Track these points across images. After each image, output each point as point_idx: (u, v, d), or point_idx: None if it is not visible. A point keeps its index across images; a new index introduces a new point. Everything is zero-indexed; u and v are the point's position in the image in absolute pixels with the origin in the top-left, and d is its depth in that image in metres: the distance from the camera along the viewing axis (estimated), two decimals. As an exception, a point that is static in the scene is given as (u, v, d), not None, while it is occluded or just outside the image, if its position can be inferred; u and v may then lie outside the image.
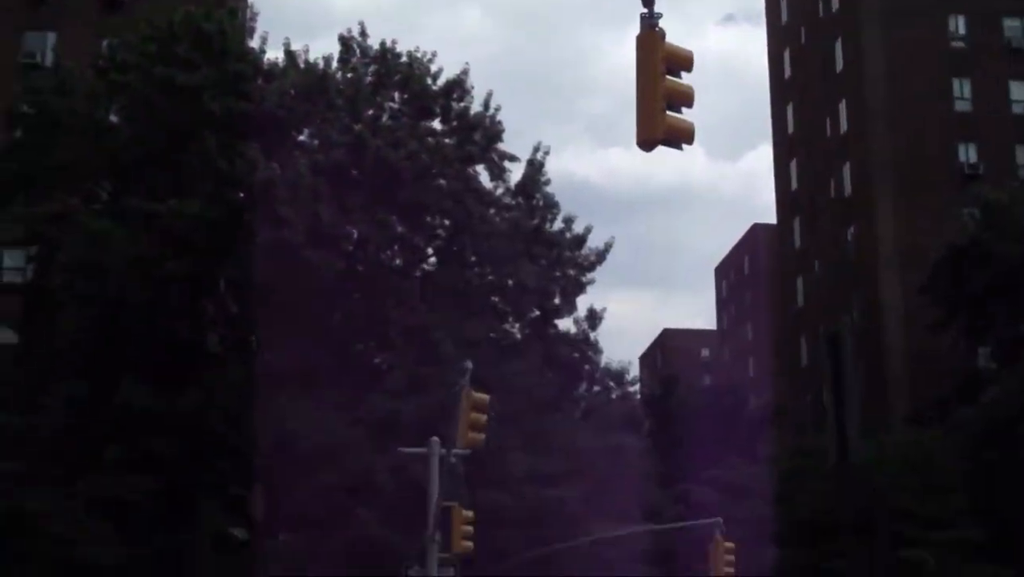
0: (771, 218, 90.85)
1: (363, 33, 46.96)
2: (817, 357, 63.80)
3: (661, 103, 13.23)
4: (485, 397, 26.08)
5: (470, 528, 30.29)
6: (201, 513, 44.43)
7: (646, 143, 13.29)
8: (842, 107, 72.53)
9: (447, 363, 39.55)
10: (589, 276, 48.45)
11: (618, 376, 51.66)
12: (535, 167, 48.00)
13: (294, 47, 46.28)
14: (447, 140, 46.44)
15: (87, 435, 41.00)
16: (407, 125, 45.51)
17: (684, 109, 13.57)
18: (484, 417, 25.72)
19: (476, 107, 47.08)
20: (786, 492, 47.04)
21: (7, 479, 38.54)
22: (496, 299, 48.65)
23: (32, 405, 40.65)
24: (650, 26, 13.44)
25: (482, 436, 25.74)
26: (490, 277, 47.84)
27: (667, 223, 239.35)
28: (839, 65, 73.54)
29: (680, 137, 13.41)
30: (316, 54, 46.85)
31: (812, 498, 45.14)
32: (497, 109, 47.06)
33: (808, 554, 45.35)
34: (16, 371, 43.77)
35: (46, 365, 42.95)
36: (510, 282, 47.60)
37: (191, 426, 41.40)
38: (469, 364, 26.61)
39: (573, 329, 49.01)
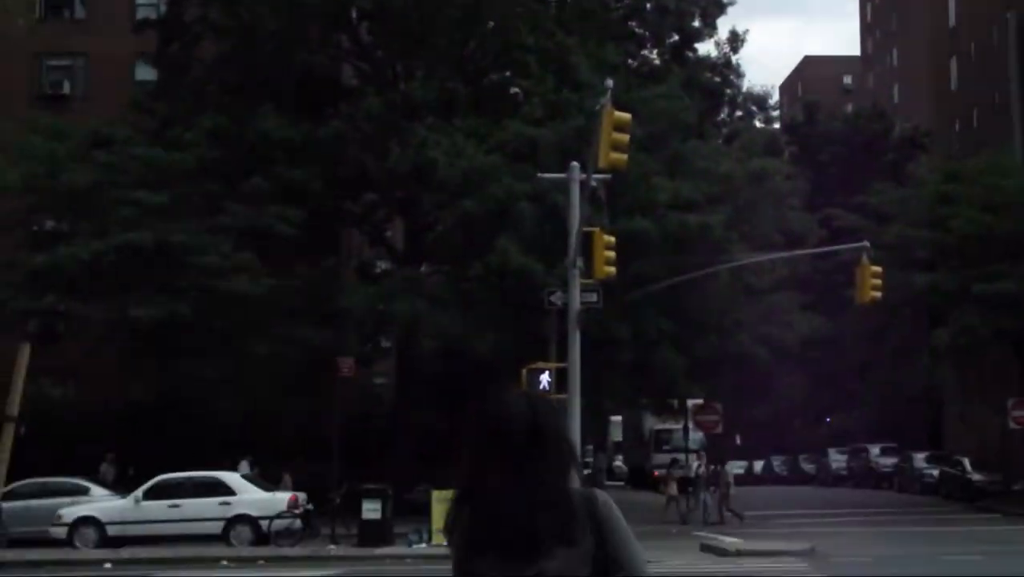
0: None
1: None
2: (1004, 46, 61.09)
3: None
4: (627, 116, 25.15)
5: (612, 253, 29.83)
6: (343, 243, 44.88)
7: None
8: None
9: (585, 89, 38.65)
10: (729, -3, 46.63)
11: (760, 100, 50.34)
12: None
13: None
14: None
15: (228, 168, 41.28)
16: None
17: None
18: (626, 137, 24.83)
19: None
20: (935, 216, 45.75)
21: (152, 213, 39.11)
22: (634, 23, 47.17)
23: (173, 139, 40.90)
24: None
25: (624, 156, 24.88)
26: (627, 0, 46.28)
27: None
28: None
29: None
30: None
31: (963, 222, 43.93)
32: None
33: (957, 278, 44.41)
34: (157, 106, 43.97)
35: (185, 99, 43.03)
36: (648, 5, 46.02)
37: (331, 157, 41.40)
38: (610, 82, 25.64)
39: (714, 53, 47.53)
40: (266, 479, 36.61)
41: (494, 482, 4.11)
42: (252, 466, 39.35)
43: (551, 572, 4.05)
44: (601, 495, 4.22)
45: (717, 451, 46.49)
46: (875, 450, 66.13)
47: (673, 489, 41.88)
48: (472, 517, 4.14)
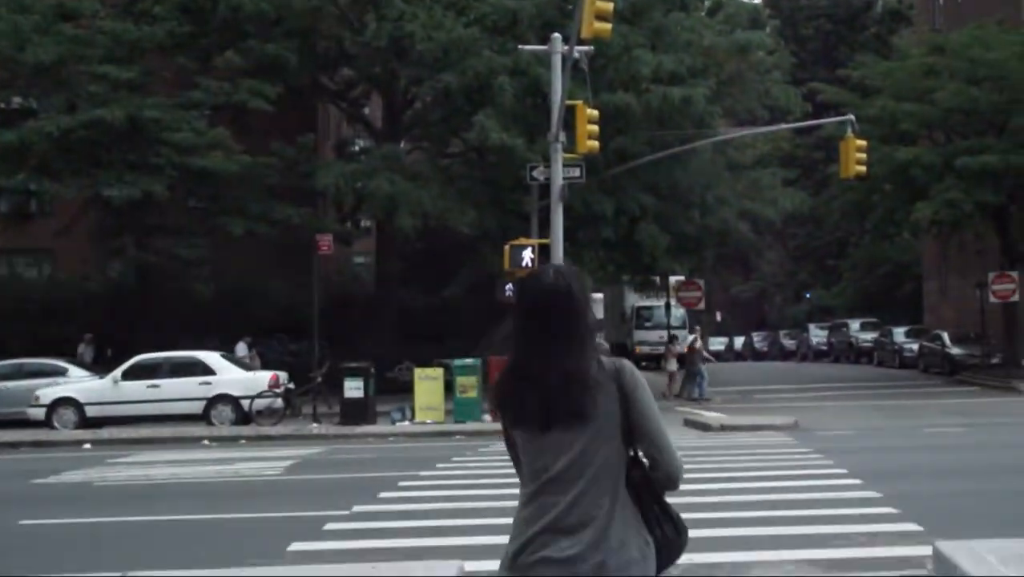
0: None
1: None
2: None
3: None
4: (611, -16, 24.42)
5: (595, 128, 29.28)
6: (320, 121, 44.12)
7: None
8: None
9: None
10: None
11: (744, -28, 49.15)
12: None
13: None
14: None
15: (200, 43, 40.37)
16: None
17: None
18: (609, 6, 24.06)
19: None
20: (920, 89, 45.10)
21: (122, 88, 38.26)
22: None
23: (142, 13, 39.89)
24: None
25: (608, 26, 24.14)
26: None
27: None
28: None
29: None
30: None
31: (948, 95, 43.35)
32: None
33: (940, 152, 44.01)
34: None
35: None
36: None
37: (306, 31, 40.45)
38: (593, -51, 24.81)
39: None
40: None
41: (527, 355, 4.19)
42: (251, 347, 39.00)
43: (573, 442, 4.10)
44: (628, 365, 4.21)
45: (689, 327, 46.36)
46: (855, 325, 66.33)
47: (673, 365, 41.65)
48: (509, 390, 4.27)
